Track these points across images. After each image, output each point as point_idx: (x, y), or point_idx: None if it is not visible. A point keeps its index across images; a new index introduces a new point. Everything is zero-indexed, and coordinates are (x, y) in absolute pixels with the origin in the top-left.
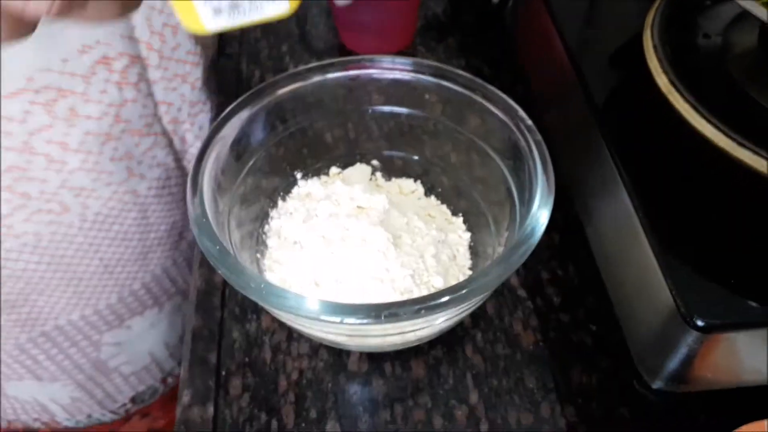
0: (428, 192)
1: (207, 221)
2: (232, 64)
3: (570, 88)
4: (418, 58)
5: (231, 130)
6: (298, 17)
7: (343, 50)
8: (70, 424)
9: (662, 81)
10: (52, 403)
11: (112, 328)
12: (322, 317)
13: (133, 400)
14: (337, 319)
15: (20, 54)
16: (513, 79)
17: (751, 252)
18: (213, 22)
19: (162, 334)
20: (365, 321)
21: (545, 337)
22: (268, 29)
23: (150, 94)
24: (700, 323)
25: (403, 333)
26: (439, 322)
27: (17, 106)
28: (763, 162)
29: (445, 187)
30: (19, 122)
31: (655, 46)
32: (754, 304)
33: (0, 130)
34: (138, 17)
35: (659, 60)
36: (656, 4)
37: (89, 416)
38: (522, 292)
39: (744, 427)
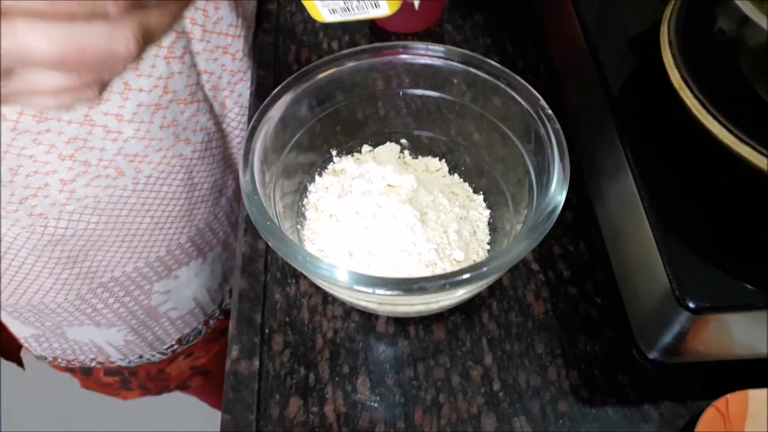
0: (452, 170)
1: (258, 198)
2: (270, 38)
3: (587, 72)
4: (445, 35)
5: (277, 110)
6: None
7: (374, 26)
8: (122, 363)
9: (675, 77)
10: (108, 345)
11: (162, 278)
12: (357, 287)
13: (179, 341)
14: (370, 290)
15: None
16: (537, 58)
17: (745, 240)
18: (330, 17)
19: (205, 281)
20: (395, 293)
21: (555, 308)
22: (302, 5)
23: (193, 65)
24: (691, 305)
25: (428, 303)
26: (459, 294)
27: None
28: (763, 158)
29: (468, 166)
30: None
31: (670, 42)
32: (745, 288)
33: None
34: None
35: (673, 56)
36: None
37: (140, 356)
38: (535, 266)
39: (729, 396)
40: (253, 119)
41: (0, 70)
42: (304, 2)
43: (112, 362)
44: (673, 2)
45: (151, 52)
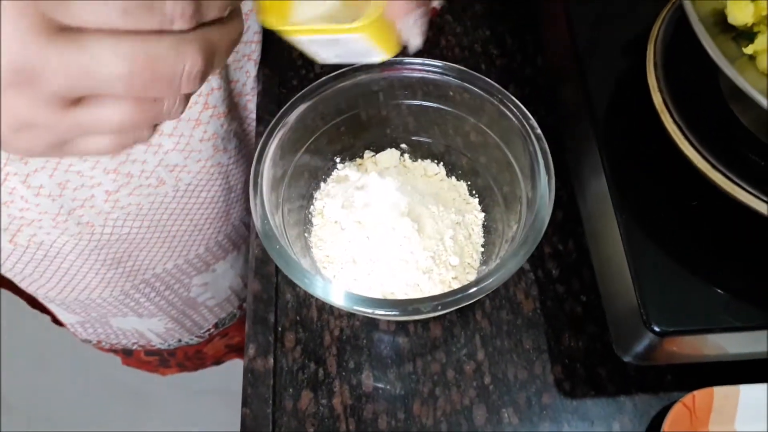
0: (449, 173)
1: (267, 222)
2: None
3: (573, 78)
4: (446, 26)
5: (284, 127)
6: None
7: None
8: (162, 346)
9: (657, 99)
10: (149, 332)
11: (200, 272)
12: (357, 308)
13: (215, 325)
14: (370, 311)
15: None
16: (535, 50)
17: (713, 265)
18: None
19: (239, 270)
20: (393, 313)
21: (543, 306)
22: None
23: (226, 77)
24: (656, 329)
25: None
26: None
27: None
28: (734, 186)
29: (464, 168)
30: None
31: (655, 63)
32: (710, 311)
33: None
34: None
35: (657, 78)
36: (663, 13)
37: (179, 340)
38: (526, 265)
39: (696, 392)
40: (261, 141)
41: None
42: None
43: (153, 345)
44: (660, 20)
45: None
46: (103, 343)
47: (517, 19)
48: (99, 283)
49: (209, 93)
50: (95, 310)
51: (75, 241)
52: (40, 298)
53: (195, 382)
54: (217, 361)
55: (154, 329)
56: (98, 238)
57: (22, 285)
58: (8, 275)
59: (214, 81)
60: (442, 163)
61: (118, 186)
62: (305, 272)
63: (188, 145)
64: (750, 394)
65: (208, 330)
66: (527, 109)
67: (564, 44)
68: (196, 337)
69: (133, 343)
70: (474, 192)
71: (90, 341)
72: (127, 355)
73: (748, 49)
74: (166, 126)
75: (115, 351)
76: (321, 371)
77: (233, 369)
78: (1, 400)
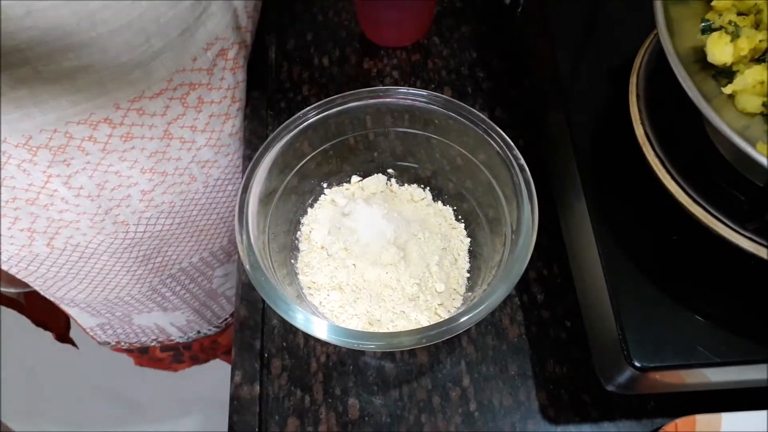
0: (436, 197)
1: (253, 254)
2: (262, 54)
3: (556, 106)
4: (433, 48)
5: (271, 154)
6: (323, 4)
7: (364, 39)
8: (181, 340)
9: (639, 132)
10: (171, 326)
11: (223, 263)
12: (340, 340)
13: (232, 314)
14: (355, 343)
15: (163, 62)
16: (521, 73)
17: (696, 298)
18: None
19: None
20: (377, 345)
21: (528, 331)
22: (294, 16)
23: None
24: (637, 364)
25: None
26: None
27: (160, 103)
28: (713, 219)
29: (450, 192)
30: (160, 116)
31: (637, 95)
32: (693, 346)
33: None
34: (240, 5)
35: (639, 111)
36: (646, 44)
37: (198, 332)
38: (512, 290)
39: (678, 420)
40: (247, 170)
41: None
42: None
43: (171, 340)
44: (643, 50)
45: (220, 66)
46: (122, 344)
47: (504, 40)
48: (129, 281)
49: (236, 86)
50: (121, 308)
51: (110, 240)
52: (64, 303)
53: (182, 391)
54: (228, 351)
55: (176, 323)
56: (132, 236)
57: (48, 290)
58: (30, 280)
59: (239, 74)
60: (428, 187)
61: (153, 185)
62: (290, 305)
63: (219, 140)
64: (732, 421)
65: (225, 319)
66: (514, 131)
67: (547, 71)
68: (214, 327)
69: (153, 340)
70: (460, 217)
71: (108, 343)
72: (142, 353)
73: (727, 89)
74: (199, 122)
75: (131, 351)
76: (307, 398)
77: (222, 376)
78: None
